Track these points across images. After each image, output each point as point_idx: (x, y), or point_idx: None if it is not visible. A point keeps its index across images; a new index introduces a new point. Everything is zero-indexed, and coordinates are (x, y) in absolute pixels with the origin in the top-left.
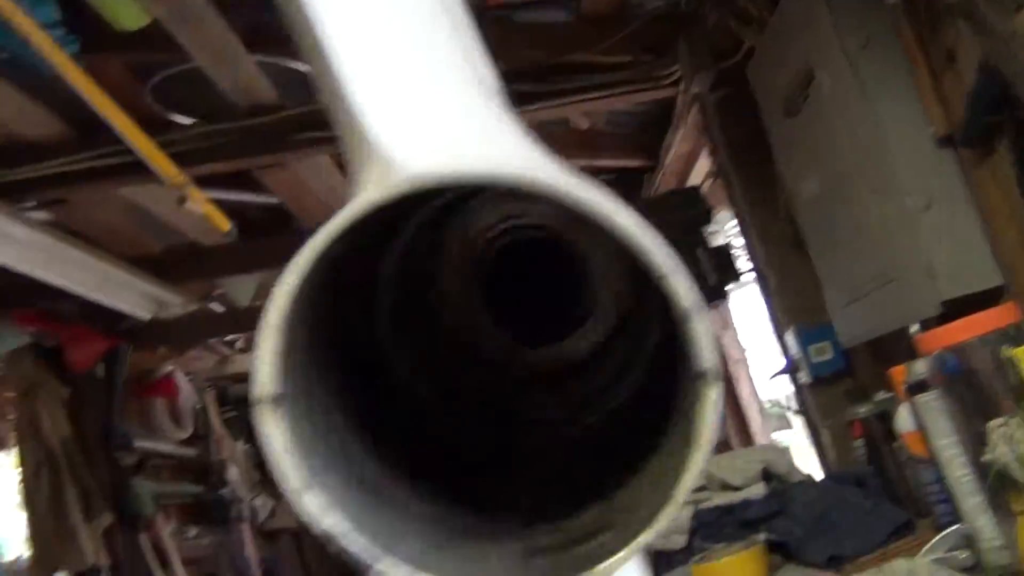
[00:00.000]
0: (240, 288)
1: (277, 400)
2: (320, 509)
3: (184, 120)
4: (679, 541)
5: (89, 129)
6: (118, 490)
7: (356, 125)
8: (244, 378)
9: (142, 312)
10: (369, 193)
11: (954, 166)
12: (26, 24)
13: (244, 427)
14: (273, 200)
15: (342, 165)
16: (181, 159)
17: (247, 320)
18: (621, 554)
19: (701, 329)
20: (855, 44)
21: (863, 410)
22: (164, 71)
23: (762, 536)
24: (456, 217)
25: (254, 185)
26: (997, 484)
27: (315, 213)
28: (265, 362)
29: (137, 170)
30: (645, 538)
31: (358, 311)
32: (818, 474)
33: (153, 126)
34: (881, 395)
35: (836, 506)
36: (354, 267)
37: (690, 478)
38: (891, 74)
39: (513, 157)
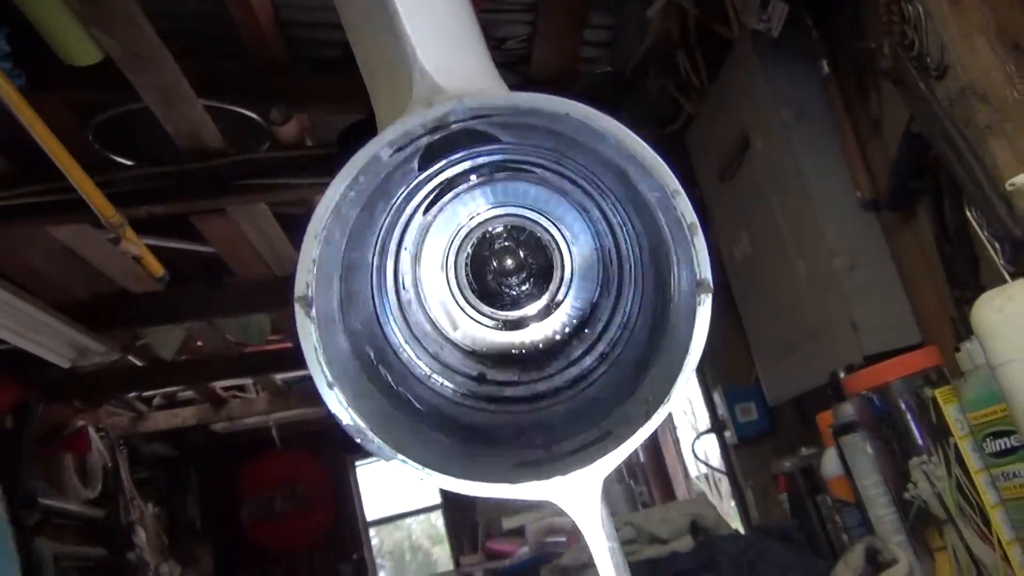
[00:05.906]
0: (164, 340)
1: (309, 302)
2: (342, 406)
3: (125, 162)
4: None
5: (25, 165)
6: (18, 551)
7: (404, 58)
8: (159, 437)
9: (62, 360)
10: (415, 115)
11: (878, 229)
12: None
13: (156, 489)
14: (207, 250)
15: (281, 216)
16: (119, 200)
17: (170, 374)
18: (620, 448)
19: (701, 243)
20: (790, 114)
21: (788, 464)
22: (108, 112)
23: None
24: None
25: (189, 234)
26: (918, 521)
27: (250, 265)
28: (303, 266)
29: (72, 208)
30: (646, 430)
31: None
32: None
33: (92, 167)
34: (805, 450)
35: (761, 558)
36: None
37: (691, 364)
38: (821, 143)
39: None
